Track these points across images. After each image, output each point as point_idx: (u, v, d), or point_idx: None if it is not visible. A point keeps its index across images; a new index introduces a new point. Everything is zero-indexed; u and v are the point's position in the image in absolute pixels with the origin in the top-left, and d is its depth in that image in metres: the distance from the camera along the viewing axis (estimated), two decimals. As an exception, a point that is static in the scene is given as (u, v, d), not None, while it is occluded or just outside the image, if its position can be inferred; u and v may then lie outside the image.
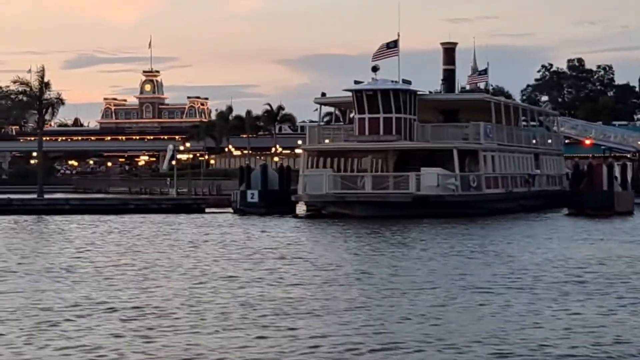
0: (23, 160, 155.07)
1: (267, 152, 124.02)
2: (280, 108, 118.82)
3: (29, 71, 67.93)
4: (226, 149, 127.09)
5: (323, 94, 61.29)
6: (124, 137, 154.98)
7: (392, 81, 56.10)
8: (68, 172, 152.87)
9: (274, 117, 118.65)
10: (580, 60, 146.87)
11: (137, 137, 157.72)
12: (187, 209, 61.81)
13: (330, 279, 24.97)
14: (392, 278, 25.03)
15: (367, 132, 55.52)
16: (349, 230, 43.60)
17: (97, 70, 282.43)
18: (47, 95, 65.91)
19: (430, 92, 65.90)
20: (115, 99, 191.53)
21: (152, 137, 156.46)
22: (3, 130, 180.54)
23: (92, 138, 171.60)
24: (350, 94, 56.40)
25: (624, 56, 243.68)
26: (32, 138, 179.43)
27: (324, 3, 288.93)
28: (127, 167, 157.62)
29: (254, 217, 54.91)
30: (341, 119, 74.51)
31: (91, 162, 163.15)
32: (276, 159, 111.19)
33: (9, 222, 52.27)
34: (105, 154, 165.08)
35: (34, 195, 66.85)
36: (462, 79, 78.70)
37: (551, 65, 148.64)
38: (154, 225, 49.41)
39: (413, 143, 55.47)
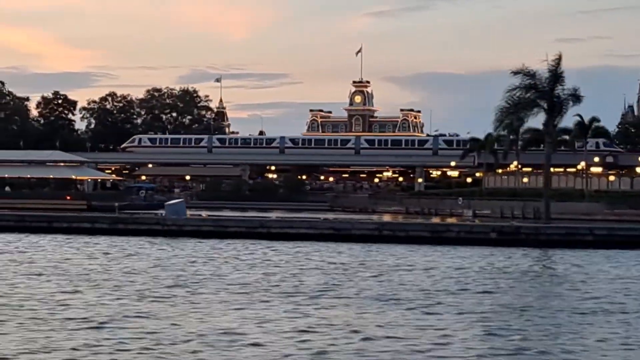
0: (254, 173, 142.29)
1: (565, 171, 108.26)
2: (595, 120, 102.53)
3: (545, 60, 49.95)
4: (512, 165, 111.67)
5: None
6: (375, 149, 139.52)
7: None
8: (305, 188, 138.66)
9: (586, 130, 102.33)
10: None
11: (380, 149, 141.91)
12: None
13: None
14: None
15: None
16: None
17: (210, 85, 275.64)
18: (558, 91, 49.93)
19: None
20: (321, 111, 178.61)
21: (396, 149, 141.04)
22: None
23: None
24: None
25: None
26: (231, 147, 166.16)
27: (431, 23, 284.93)
28: (364, 184, 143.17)
29: None
30: None
31: (322, 177, 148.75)
32: None
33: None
34: (331, 168, 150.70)
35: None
36: None
37: None
38: None
39: None
